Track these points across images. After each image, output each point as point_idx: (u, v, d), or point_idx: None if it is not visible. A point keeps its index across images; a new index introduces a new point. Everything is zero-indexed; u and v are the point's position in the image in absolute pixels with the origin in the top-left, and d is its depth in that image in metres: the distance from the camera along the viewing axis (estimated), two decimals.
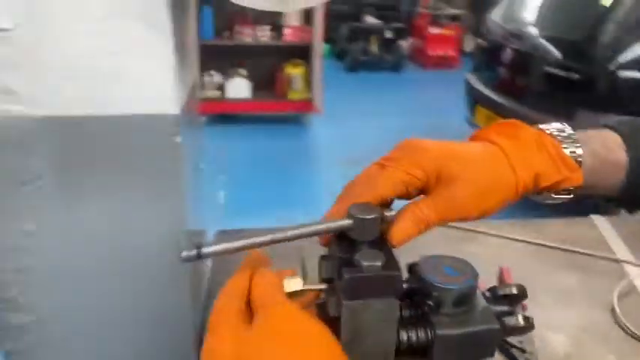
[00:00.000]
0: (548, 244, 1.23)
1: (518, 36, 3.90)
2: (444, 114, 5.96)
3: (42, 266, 0.84)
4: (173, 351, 0.95)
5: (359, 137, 5.55)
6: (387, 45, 8.20)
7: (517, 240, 1.25)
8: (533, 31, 3.87)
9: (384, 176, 0.50)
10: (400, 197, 0.51)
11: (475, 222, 1.33)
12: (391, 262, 0.47)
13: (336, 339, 0.46)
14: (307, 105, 5.71)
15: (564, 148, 0.55)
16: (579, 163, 0.55)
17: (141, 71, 0.74)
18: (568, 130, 0.57)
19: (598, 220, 1.36)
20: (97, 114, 0.75)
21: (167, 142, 0.77)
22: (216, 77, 5.66)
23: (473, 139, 0.57)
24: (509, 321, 0.51)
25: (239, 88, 5.66)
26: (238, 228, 1.27)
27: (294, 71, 5.73)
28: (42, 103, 0.74)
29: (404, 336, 0.49)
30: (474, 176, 0.50)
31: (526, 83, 3.69)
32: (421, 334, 0.49)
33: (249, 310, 0.47)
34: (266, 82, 5.86)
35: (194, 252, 0.48)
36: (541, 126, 0.57)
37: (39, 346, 0.87)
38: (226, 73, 5.73)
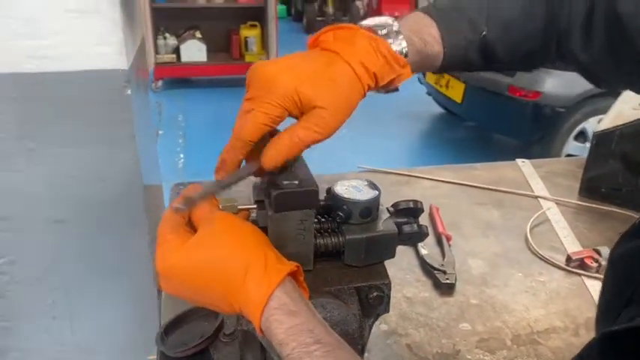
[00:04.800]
0: (474, 184, 1.37)
1: None
2: None
3: (9, 213, 0.92)
4: (133, 289, 1.04)
5: None
6: (343, 5, 8.21)
7: (447, 182, 1.38)
8: None
9: (250, 123, 0.55)
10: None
11: (410, 167, 1.46)
12: (308, 181, 0.58)
13: None
14: None
15: (392, 44, 0.61)
16: (406, 56, 0.62)
17: (92, 31, 0.81)
18: (395, 25, 0.63)
19: (521, 163, 1.50)
20: (52, 70, 0.82)
21: (118, 95, 0.86)
22: (170, 40, 5.60)
23: (313, 45, 0.62)
24: (407, 228, 0.62)
25: (194, 51, 5.62)
26: (191, 181, 1.37)
27: (250, 33, 5.72)
28: (1, 61, 0.81)
29: (321, 241, 0.60)
30: (330, 97, 0.56)
31: None
32: (334, 239, 0.60)
33: (191, 229, 0.57)
34: (221, 45, 5.84)
35: (182, 203, 0.55)
36: (368, 22, 0.63)
37: (12, 285, 0.96)
38: (181, 37, 5.67)
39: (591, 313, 0.97)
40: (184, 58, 5.61)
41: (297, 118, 0.57)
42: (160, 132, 4.83)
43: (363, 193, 0.62)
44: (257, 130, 0.56)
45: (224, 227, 0.54)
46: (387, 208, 0.65)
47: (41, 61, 0.82)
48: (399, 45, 0.62)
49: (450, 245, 1.13)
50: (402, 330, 0.91)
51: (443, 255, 1.09)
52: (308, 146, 0.57)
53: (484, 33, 0.67)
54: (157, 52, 5.50)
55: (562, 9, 0.67)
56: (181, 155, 4.42)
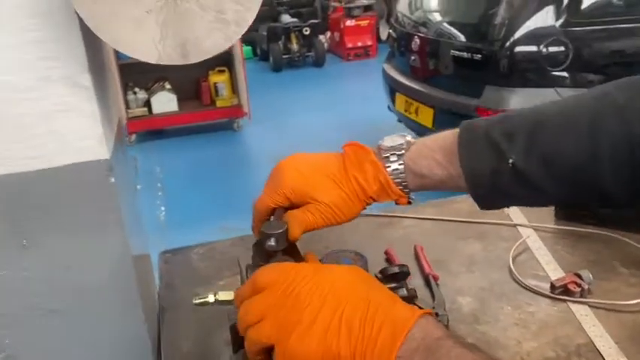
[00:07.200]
0: (454, 218, 1.41)
1: (425, 24, 4.15)
2: (367, 103, 6.18)
3: (4, 309, 0.92)
4: None
5: (289, 136, 5.69)
6: (307, 41, 8.37)
7: (429, 219, 1.42)
8: (438, 18, 4.13)
9: (259, 204, 0.75)
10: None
11: (392, 207, 1.50)
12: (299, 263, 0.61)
13: None
14: (235, 110, 5.80)
15: (389, 165, 0.73)
16: (402, 177, 0.73)
17: (73, 127, 0.84)
18: (402, 151, 0.74)
19: None
20: (38, 168, 0.85)
21: (103, 183, 0.88)
22: (140, 94, 5.64)
23: (345, 147, 0.76)
24: (397, 293, 0.66)
25: (165, 102, 5.67)
26: (178, 247, 1.39)
27: (219, 79, 5.80)
28: None
29: None
30: (326, 198, 0.72)
31: (436, 67, 3.93)
32: None
33: None
34: (191, 93, 5.89)
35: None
36: (386, 142, 0.75)
37: None
38: (150, 89, 5.72)
39: (581, 339, 1.01)
40: (156, 109, 5.65)
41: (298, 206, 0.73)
42: (139, 187, 4.81)
43: (351, 264, 0.65)
44: (265, 210, 0.75)
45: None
46: (376, 275, 0.68)
47: (26, 161, 0.84)
48: (395, 168, 0.73)
49: (438, 285, 1.15)
50: None
51: (433, 296, 1.12)
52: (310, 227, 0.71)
53: (511, 161, 0.61)
54: (127, 107, 5.53)
55: None
56: (162, 208, 4.40)
